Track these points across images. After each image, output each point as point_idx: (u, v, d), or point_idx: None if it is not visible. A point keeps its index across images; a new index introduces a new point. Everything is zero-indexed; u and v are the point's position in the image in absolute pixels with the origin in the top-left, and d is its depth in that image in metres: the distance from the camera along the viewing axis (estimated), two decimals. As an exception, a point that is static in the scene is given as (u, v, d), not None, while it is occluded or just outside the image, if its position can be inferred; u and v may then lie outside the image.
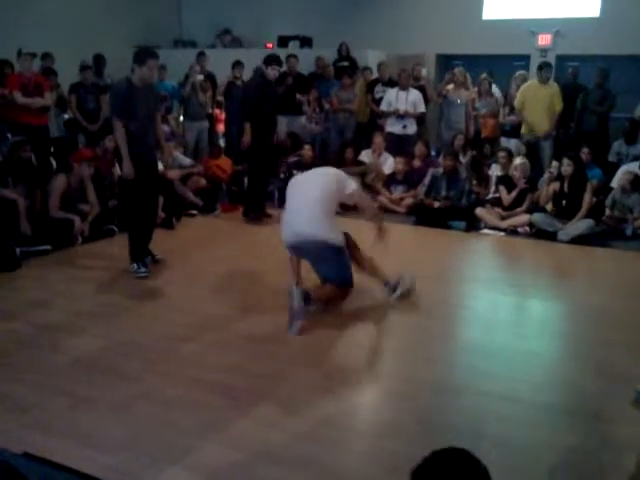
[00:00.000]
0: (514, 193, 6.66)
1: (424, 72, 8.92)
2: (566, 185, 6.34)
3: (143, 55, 4.65)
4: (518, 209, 6.59)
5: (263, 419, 2.73)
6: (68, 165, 5.90)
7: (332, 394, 2.98)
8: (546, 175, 7.00)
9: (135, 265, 4.78)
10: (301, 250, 3.99)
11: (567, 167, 6.30)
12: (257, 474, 2.36)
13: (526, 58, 9.56)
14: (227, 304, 4.15)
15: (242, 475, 2.35)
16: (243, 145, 6.44)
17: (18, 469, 1.51)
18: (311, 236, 3.84)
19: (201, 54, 8.96)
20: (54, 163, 6.96)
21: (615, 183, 6.83)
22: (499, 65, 9.42)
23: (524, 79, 8.16)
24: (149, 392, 2.94)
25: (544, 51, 9.59)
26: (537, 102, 7.57)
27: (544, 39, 9.62)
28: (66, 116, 8.20)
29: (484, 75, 8.47)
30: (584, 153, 6.96)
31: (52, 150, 7.24)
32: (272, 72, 6.46)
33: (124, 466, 2.36)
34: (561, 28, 9.45)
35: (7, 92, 6.82)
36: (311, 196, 3.92)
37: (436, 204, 6.80)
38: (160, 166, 6.77)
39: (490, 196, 7.03)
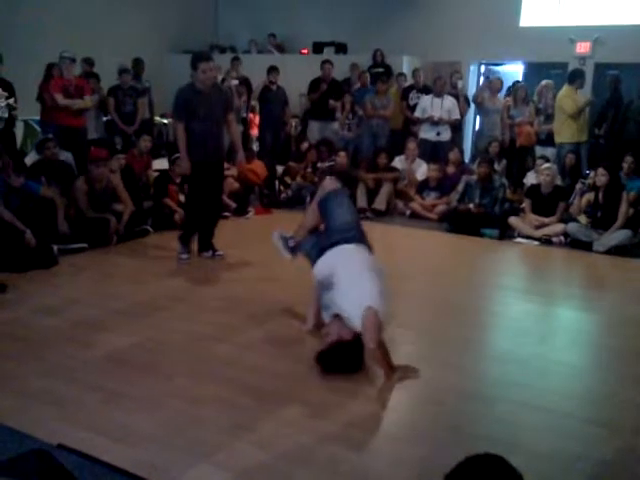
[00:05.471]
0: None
1: (460, 84, 8.86)
2: (601, 195, 6.22)
3: (194, 60, 4.77)
4: (549, 218, 6.49)
5: (292, 420, 2.73)
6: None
7: (360, 397, 2.97)
8: (578, 186, 6.90)
9: (180, 247, 5.15)
10: None
11: (601, 177, 6.19)
12: (284, 474, 2.36)
13: (564, 66, 9.43)
14: (259, 306, 4.16)
15: (269, 474, 2.35)
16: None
17: (58, 460, 1.54)
18: None
19: (236, 59, 9.07)
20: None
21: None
22: (536, 73, 9.31)
23: (551, 87, 8.07)
24: (179, 389, 2.97)
25: (582, 59, 9.45)
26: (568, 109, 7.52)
27: (583, 47, 9.48)
28: (104, 118, 8.38)
29: (520, 83, 8.39)
30: (627, 162, 6.81)
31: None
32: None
33: (153, 461, 2.38)
34: (601, 35, 9.31)
35: (49, 95, 7.01)
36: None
37: (471, 205, 6.74)
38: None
39: (524, 205, 6.95)
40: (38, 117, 7.66)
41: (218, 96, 4.91)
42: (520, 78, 10.03)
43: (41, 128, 7.65)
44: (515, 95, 8.29)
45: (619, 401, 3.04)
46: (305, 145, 8.46)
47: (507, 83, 9.05)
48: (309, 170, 8.06)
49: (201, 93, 4.77)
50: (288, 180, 8.00)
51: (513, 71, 10.38)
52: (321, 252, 3.54)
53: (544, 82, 8.16)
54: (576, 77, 7.69)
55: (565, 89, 7.64)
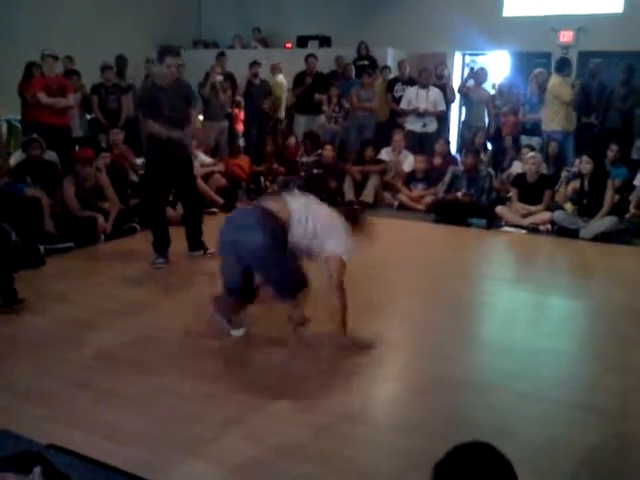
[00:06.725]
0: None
1: (446, 72, 8.90)
2: (586, 183, 6.26)
3: (161, 53, 4.71)
4: (536, 206, 6.51)
5: (284, 415, 2.73)
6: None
7: (352, 390, 2.98)
8: (563, 174, 6.94)
9: (154, 253, 4.97)
10: None
11: (586, 165, 6.23)
12: (278, 469, 2.36)
13: (547, 55, 9.46)
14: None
15: (263, 469, 2.35)
16: None
17: (49, 460, 1.54)
18: None
19: (221, 54, 9.01)
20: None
21: (638, 181, 6.72)
22: (521, 62, 9.34)
23: (544, 75, 8.05)
24: (170, 386, 2.96)
25: (566, 48, 9.47)
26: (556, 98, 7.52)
27: (566, 36, 9.52)
28: (88, 117, 8.31)
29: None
30: (612, 150, 6.84)
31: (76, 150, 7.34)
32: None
33: (146, 458, 2.37)
34: (583, 24, 9.34)
35: (31, 93, 6.93)
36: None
37: (459, 193, 6.76)
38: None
39: (511, 194, 6.98)
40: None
41: (180, 91, 4.85)
42: (504, 68, 10.07)
43: (22, 127, 7.57)
44: (500, 85, 8.33)
45: (606, 387, 3.06)
46: (292, 140, 8.45)
47: (491, 73, 9.08)
48: (275, 166, 8.09)
49: (163, 89, 4.71)
50: (270, 178, 8.03)
51: (497, 61, 10.40)
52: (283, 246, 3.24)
53: (536, 71, 8.14)
54: (564, 65, 7.70)
55: (556, 78, 7.61)
